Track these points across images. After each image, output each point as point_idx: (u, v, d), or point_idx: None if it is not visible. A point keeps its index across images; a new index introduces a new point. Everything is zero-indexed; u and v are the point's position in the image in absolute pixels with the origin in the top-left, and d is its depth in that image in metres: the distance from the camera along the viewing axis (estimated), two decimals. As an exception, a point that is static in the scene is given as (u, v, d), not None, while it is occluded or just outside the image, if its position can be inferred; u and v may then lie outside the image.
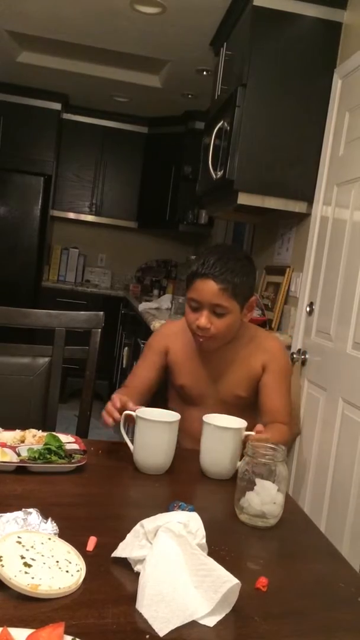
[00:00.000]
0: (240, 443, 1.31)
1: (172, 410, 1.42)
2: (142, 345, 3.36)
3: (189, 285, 1.50)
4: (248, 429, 1.35)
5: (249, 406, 1.63)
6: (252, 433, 1.33)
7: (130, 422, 1.35)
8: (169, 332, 1.71)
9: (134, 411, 1.32)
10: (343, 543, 2.11)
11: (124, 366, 4.32)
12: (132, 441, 1.33)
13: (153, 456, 1.29)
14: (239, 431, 1.32)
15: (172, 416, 1.34)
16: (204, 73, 3.89)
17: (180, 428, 1.66)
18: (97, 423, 1.67)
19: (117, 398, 1.37)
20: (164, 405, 1.72)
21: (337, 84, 2.62)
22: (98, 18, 3.33)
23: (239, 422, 1.34)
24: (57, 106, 5.06)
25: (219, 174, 2.82)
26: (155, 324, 2.99)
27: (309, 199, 2.73)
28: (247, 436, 1.32)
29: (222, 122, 2.84)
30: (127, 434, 1.38)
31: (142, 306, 3.62)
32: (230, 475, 1.30)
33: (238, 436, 1.31)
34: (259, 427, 1.35)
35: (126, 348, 4.27)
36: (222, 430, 1.31)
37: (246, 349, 1.60)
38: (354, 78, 2.48)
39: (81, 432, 1.75)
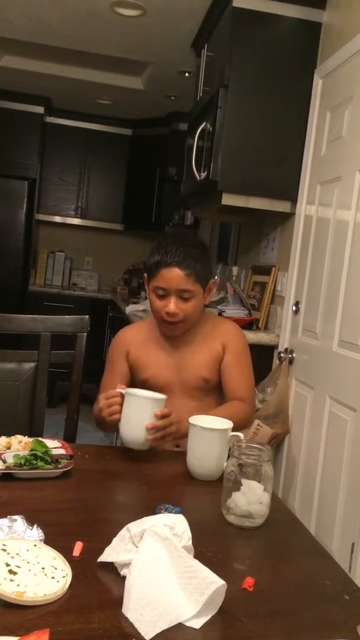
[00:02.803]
0: (227, 444, 1.31)
1: None
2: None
3: (153, 275, 1.57)
4: (212, 407, 1.45)
5: (212, 390, 1.68)
6: (239, 434, 1.34)
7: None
8: (124, 336, 1.75)
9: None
10: (334, 540, 2.13)
11: (112, 369, 4.30)
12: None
13: (138, 430, 1.35)
14: (225, 432, 1.32)
15: (160, 395, 1.41)
16: (186, 74, 3.89)
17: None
18: (86, 427, 1.68)
19: (103, 396, 1.43)
20: None
21: (317, 84, 2.64)
22: (78, 21, 3.33)
23: (225, 423, 1.35)
24: (40, 110, 5.05)
25: (203, 175, 2.83)
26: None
27: (293, 199, 2.75)
28: (233, 436, 1.32)
29: (204, 124, 2.85)
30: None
31: (129, 308, 3.61)
32: (218, 476, 1.30)
33: (224, 437, 1.32)
34: (160, 411, 1.39)
35: (114, 351, 4.25)
36: (208, 431, 1.31)
37: (205, 333, 1.68)
38: (334, 78, 2.49)
39: (69, 437, 1.75)
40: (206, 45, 3.10)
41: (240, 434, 1.34)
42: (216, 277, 3.32)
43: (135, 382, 1.71)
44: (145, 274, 1.62)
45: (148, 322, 1.72)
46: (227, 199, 2.73)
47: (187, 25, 3.18)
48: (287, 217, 2.86)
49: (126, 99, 4.72)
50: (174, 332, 1.63)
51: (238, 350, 1.67)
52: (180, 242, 1.56)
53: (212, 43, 3.02)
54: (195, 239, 1.63)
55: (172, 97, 4.49)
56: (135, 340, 1.70)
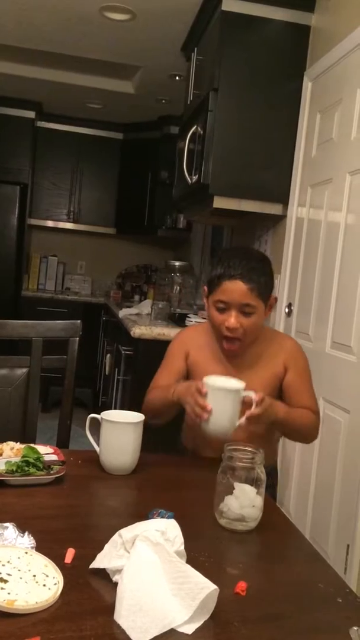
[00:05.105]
0: (240, 404, 1.34)
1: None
2: (123, 352, 3.35)
3: (215, 287, 1.51)
4: (267, 425, 1.44)
5: None
6: (252, 394, 1.35)
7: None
8: (186, 336, 1.72)
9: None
10: (329, 541, 2.13)
11: (106, 373, 4.30)
12: (98, 443, 1.36)
13: (119, 457, 1.32)
14: (239, 392, 1.35)
15: (137, 417, 1.36)
16: (177, 78, 3.90)
17: (200, 433, 1.58)
18: (79, 432, 1.67)
19: (196, 390, 1.37)
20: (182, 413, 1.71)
21: (307, 87, 2.65)
22: (68, 26, 3.33)
23: (239, 384, 1.37)
24: (31, 114, 5.04)
25: (194, 178, 2.83)
26: (136, 330, 2.99)
27: (284, 201, 2.75)
28: (245, 397, 1.35)
29: (195, 127, 2.85)
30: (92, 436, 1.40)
31: (123, 312, 3.61)
32: (229, 434, 1.33)
33: (238, 397, 1.34)
34: (258, 396, 1.37)
35: (108, 355, 4.25)
36: (222, 390, 1.34)
37: (267, 350, 1.61)
38: (323, 80, 2.50)
39: (62, 442, 1.74)
40: (196, 48, 3.10)
41: (252, 393, 1.35)
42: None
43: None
44: (205, 287, 1.57)
45: (208, 327, 1.64)
46: (219, 202, 2.74)
47: (176, 28, 3.18)
48: (278, 220, 2.86)
49: (117, 103, 4.73)
50: (233, 353, 1.56)
51: (301, 368, 1.63)
52: (244, 255, 1.52)
53: (201, 46, 3.03)
54: (259, 252, 1.59)
55: (163, 101, 4.50)
56: (196, 342, 1.65)
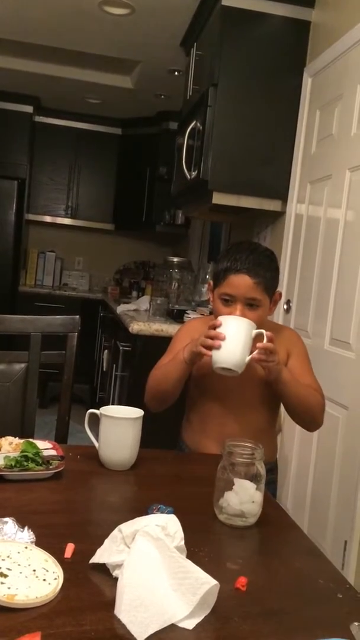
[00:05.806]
0: (251, 339, 1.39)
1: (192, 407, 1.57)
2: (121, 348, 3.35)
3: (221, 281, 1.54)
4: (269, 421, 1.53)
5: (273, 398, 1.63)
6: (263, 331, 1.39)
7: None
8: (193, 325, 1.74)
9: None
10: (326, 537, 2.13)
11: (104, 369, 4.30)
12: (97, 439, 1.36)
13: (118, 452, 1.32)
14: (252, 324, 1.40)
15: (136, 413, 1.36)
16: (176, 73, 3.89)
17: (201, 428, 1.63)
18: (77, 427, 1.67)
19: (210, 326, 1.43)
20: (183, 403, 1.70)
21: (307, 83, 2.64)
22: (66, 20, 3.31)
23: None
24: (29, 109, 5.03)
25: (193, 174, 2.83)
26: (134, 326, 2.98)
27: (284, 197, 2.75)
28: (257, 334, 1.39)
29: (194, 122, 2.85)
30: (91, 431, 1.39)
31: (120, 308, 3.60)
32: (240, 370, 1.38)
33: (250, 329, 1.39)
34: (269, 333, 1.41)
35: (106, 351, 4.25)
36: (236, 319, 1.40)
37: None
38: (323, 76, 2.50)
39: (60, 437, 1.74)
40: (195, 43, 3.09)
41: (264, 330, 1.39)
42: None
43: (195, 375, 1.64)
44: (211, 281, 1.60)
45: (213, 319, 1.64)
46: (218, 198, 2.73)
47: (176, 23, 3.17)
48: (277, 216, 2.86)
49: (116, 98, 4.71)
50: None
51: (302, 354, 1.67)
52: (251, 250, 1.54)
53: (201, 42, 3.02)
54: (265, 248, 1.62)
55: (162, 96, 4.48)
56: (201, 332, 1.60)
